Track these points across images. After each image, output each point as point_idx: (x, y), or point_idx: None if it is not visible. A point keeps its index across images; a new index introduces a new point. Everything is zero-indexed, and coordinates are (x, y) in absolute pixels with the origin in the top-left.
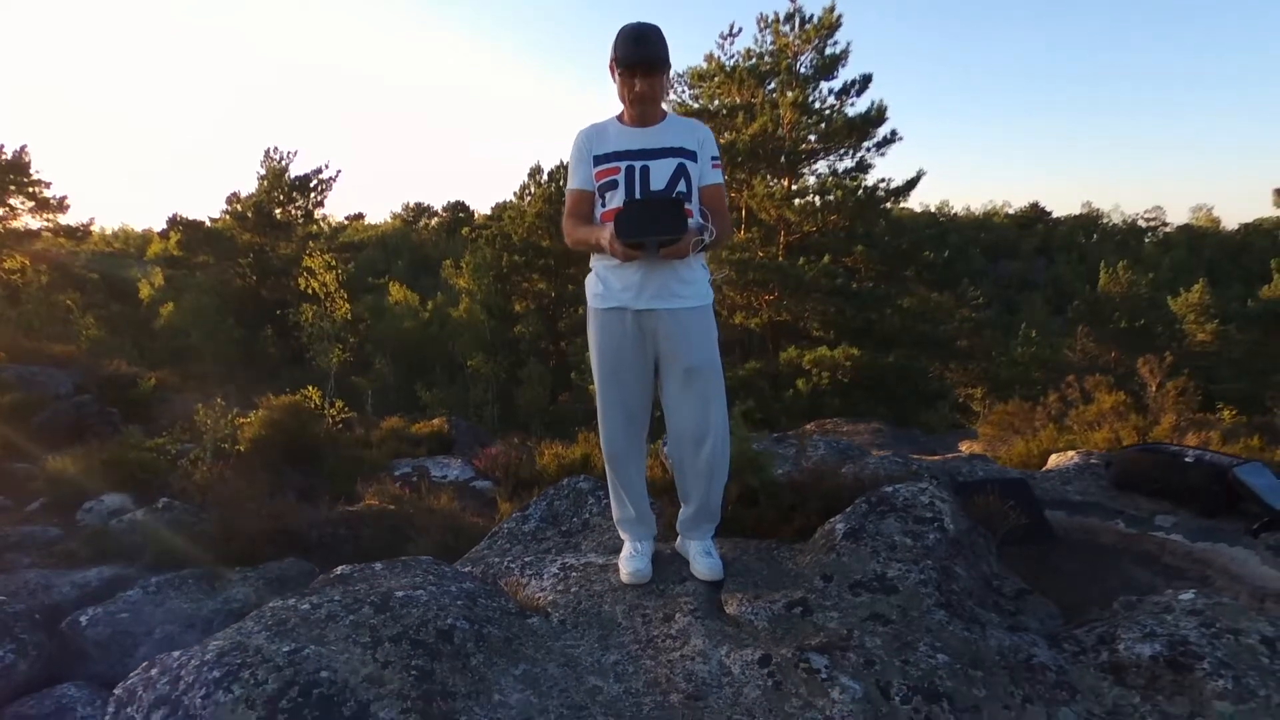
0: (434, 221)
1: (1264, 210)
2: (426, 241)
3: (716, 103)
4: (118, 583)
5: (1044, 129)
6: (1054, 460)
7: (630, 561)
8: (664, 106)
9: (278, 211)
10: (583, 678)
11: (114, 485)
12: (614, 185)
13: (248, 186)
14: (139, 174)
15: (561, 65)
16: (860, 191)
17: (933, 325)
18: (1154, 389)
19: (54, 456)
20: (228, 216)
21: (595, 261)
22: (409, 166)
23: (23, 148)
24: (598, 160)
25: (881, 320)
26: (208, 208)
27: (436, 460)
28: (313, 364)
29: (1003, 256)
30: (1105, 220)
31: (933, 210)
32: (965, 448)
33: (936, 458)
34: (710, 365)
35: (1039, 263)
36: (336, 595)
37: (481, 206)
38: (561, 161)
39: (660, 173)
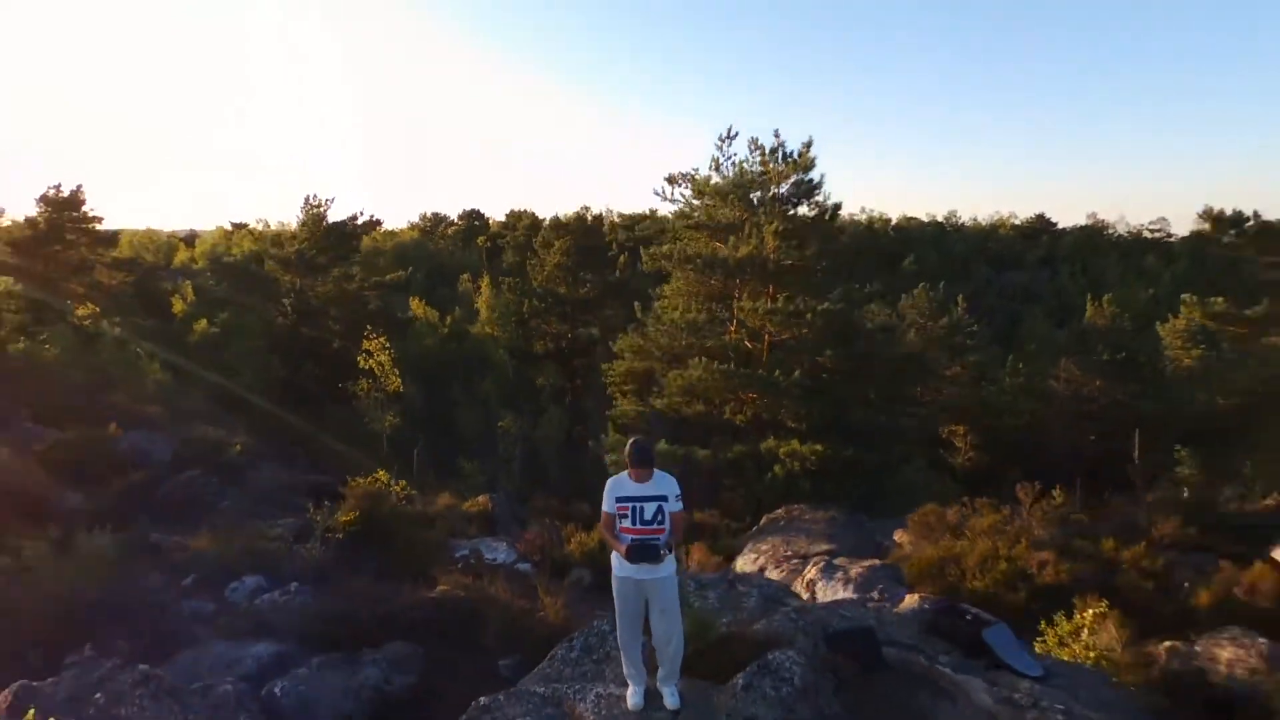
0: (450, 230)
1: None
2: (443, 250)
3: (711, 207)
4: (283, 658)
5: (1053, 140)
6: (908, 601)
7: (632, 699)
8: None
9: (316, 255)
10: None
11: (249, 568)
12: (625, 515)
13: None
14: (162, 170)
15: (567, 77)
16: (829, 315)
17: (892, 417)
18: (1027, 510)
19: (195, 535)
20: (271, 260)
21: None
22: (423, 164)
23: (79, 187)
24: (618, 500)
25: (846, 416)
26: (229, 209)
27: (486, 543)
28: (367, 425)
29: (1008, 267)
30: (1111, 231)
31: (940, 220)
32: (899, 538)
33: (861, 570)
34: (673, 605)
35: (1043, 274)
36: None
37: (494, 210)
38: (581, 209)
39: (649, 510)
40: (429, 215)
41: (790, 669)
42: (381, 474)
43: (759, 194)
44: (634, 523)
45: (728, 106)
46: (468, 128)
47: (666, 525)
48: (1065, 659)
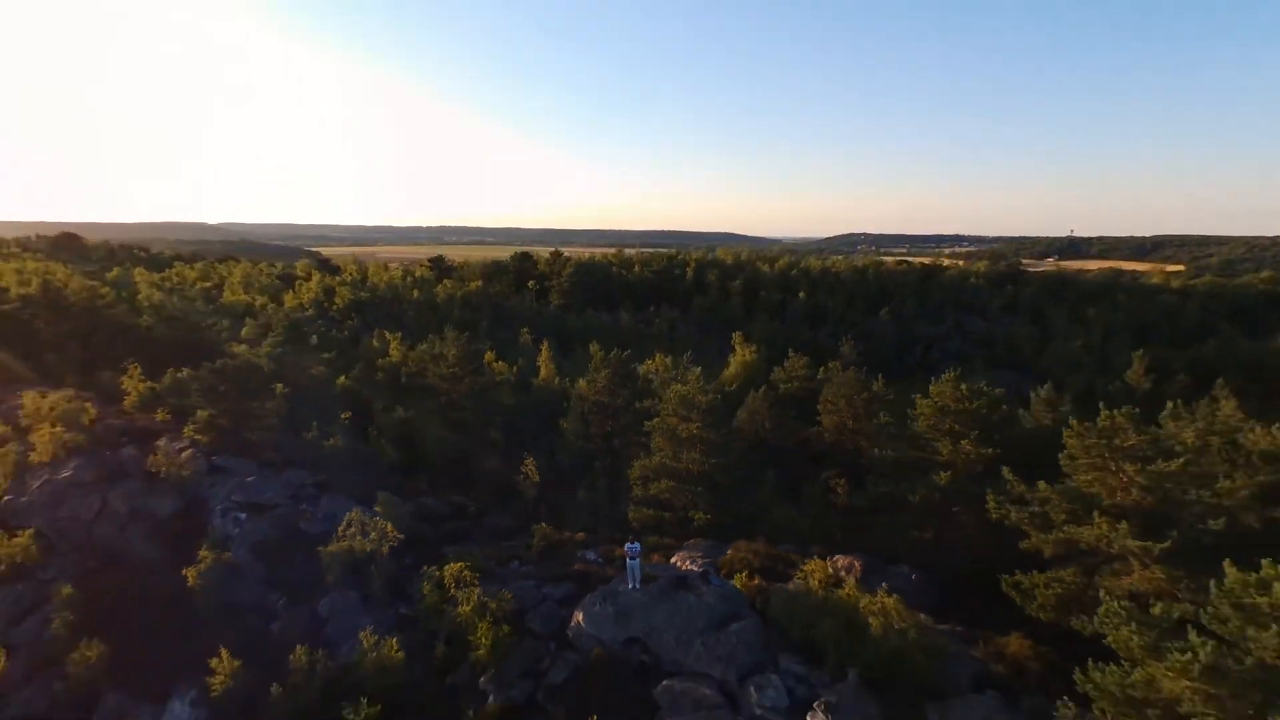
0: (505, 278)
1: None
2: (500, 293)
3: (674, 404)
4: (539, 585)
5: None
6: (698, 570)
7: (629, 585)
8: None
9: (460, 373)
10: (632, 602)
11: (508, 560)
12: (629, 550)
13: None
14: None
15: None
16: (717, 464)
17: (761, 499)
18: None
19: (482, 552)
20: (432, 375)
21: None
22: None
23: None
24: (626, 547)
25: (725, 501)
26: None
27: (589, 552)
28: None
29: (973, 313)
30: (1080, 275)
31: (925, 262)
32: (730, 551)
33: (703, 562)
34: (637, 569)
35: (1006, 321)
36: (608, 590)
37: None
38: (616, 251)
39: (635, 549)
40: (489, 261)
41: (662, 583)
42: (544, 525)
43: (694, 401)
44: (631, 552)
45: (730, 107)
46: (494, 138)
47: (638, 554)
48: (735, 585)
